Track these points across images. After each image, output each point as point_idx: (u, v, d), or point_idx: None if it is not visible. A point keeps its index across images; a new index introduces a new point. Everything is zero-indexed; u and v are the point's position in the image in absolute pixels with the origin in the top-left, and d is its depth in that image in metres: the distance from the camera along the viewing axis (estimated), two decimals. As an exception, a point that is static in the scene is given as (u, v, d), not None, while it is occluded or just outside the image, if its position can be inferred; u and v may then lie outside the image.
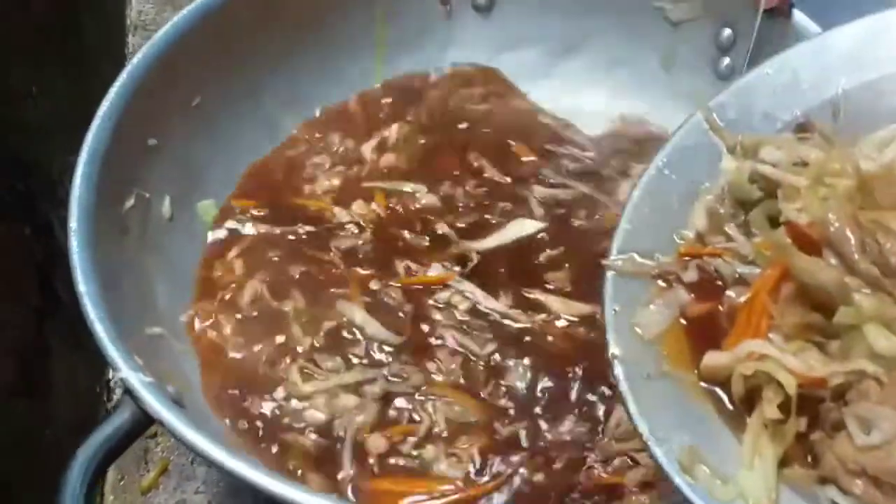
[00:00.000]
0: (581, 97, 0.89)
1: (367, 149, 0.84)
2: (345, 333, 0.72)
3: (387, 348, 0.71)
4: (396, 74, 0.90)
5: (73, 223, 0.65)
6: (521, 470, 0.65)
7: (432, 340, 0.72)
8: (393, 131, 0.85)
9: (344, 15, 0.86)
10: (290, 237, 0.78)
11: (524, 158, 0.82)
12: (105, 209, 0.68)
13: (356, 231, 0.78)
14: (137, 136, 0.74)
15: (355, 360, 0.71)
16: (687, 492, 0.44)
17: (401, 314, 0.73)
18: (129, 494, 0.79)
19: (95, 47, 1.01)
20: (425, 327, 0.72)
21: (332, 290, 0.74)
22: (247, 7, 0.81)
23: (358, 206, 0.79)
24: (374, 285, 0.74)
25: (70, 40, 0.95)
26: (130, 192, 0.73)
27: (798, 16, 0.76)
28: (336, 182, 0.82)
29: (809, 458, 0.46)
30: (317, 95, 0.87)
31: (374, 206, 0.80)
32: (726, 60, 0.83)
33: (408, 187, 0.81)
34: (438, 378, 0.70)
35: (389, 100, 0.88)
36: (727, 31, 0.82)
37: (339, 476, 0.66)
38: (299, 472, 0.66)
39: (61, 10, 0.93)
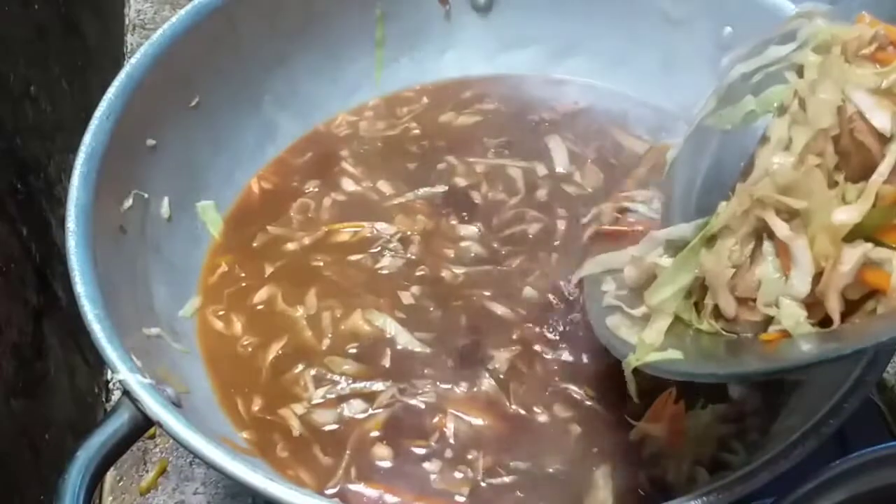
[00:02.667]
0: (580, 97, 0.89)
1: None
2: (373, 342, 0.72)
3: (417, 360, 0.71)
4: (395, 75, 0.90)
5: (71, 223, 0.65)
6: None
7: (473, 355, 0.71)
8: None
9: (343, 15, 0.86)
10: (324, 256, 0.78)
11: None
12: (103, 209, 0.68)
13: (399, 245, 0.78)
14: (136, 136, 0.74)
15: (376, 369, 0.71)
16: (599, 324, 0.62)
17: (443, 328, 0.73)
18: (128, 495, 0.79)
19: (94, 47, 1.01)
20: (468, 342, 0.72)
21: (366, 298, 0.75)
22: (245, 7, 0.80)
23: (401, 220, 0.80)
24: (416, 296, 0.75)
25: (69, 40, 0.95)
26: (129, 192, 0.72)
27: (784, 5, 0.76)
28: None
29: None
30: (316, 96, 0.88)
31: (419, 217, 0.80)
32: (725, 60, 0.82)
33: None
34: (460, 393, 0.69)
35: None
36: (728, 30, 0.82)
37: (339, 483, 0.66)
38: (300, 476, 0.66)
39: (60, 10, 0.93)
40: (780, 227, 0.53)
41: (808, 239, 0.52)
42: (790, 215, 0.53)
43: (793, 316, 0.52)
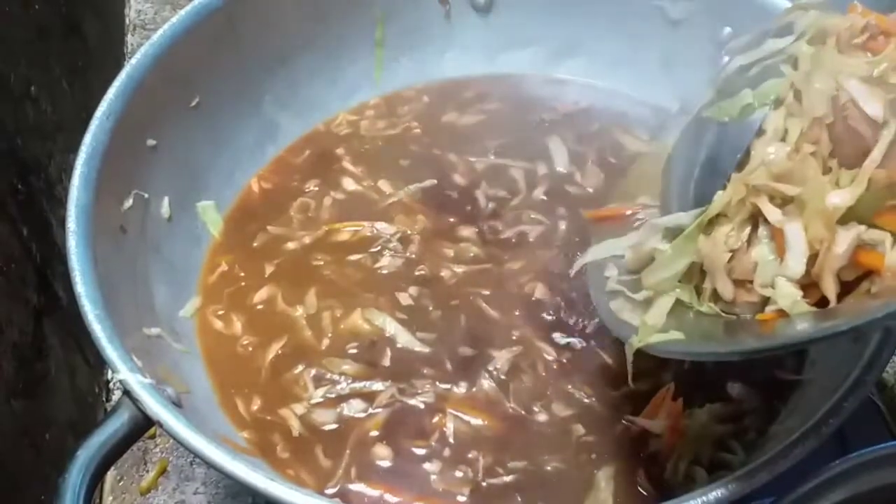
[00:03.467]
0: (580, 97, 0.89)
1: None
2: (372, 342, 0.72)
3: (416, 360, 0.71)
4: (395, 75, 0.90)
5: (72, 223, 0.65)
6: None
7: (473, 355, 0.71)
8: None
9: (343, 15, 0.86)
10: (324, 256, 0.78)
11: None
12: (103, 209, 0.68)
13: (399, 244, 0.78)
14: (136, 136, 0.74)
15: (376, 369, 0.71)
16: (602, 308, 0.62)
17: (442, 328, 0.73)
18: (129, 495, 0.79)
19: (94, 47, 1.01)
20: (468, 342, 0.72)
21: (366, 297, 0.75)
22: (246, 7, 0.80)
23: (401, 220, 0.80)
24: (415, 295, 0.75)
25: (69, 40, 0.94)
26: (129, 192, 0.72)
27: (784, 5, 0.76)
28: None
29: None
30: (316, 96, 0.88)
31: (419, 217, 0.80)
32: (726, 59, 0.82)
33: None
34: (459, 393, 0.69)
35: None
36: (727, 30, 0.82)
37: (339, 482, 0.66)
38: (300, 476, 0.66)
39: (61, 10, 0.93)
40: (773, 213, 0.54)
41: (803, 223, 0.53)
42: (783, 201, 0.54)
43: (789, 296, 0.53)
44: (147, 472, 0.80)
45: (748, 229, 0.56)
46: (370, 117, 0.89)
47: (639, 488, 0.65)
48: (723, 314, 0.57)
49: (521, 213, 0.80)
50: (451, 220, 0.80)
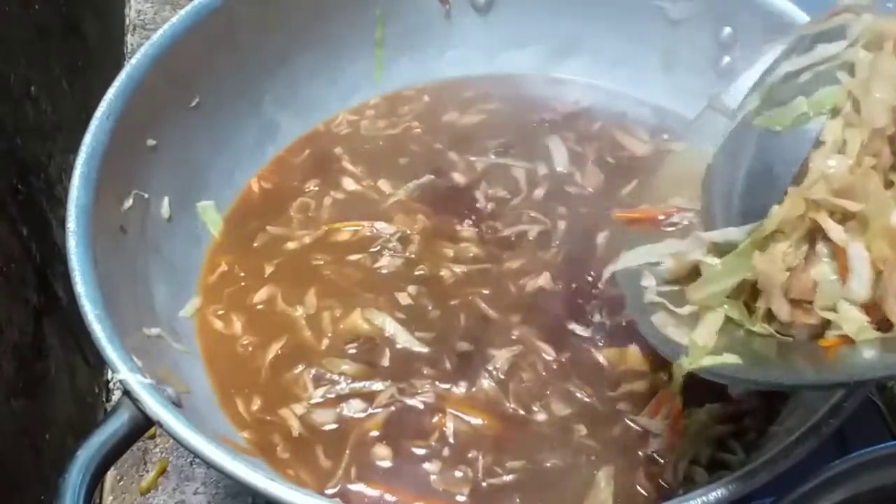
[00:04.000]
0: (581, 97, 0.89)
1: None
2: (372, 342, 0.72)
3: (416, 359, 0.71)
4: (395, 75, 0.90)
5: (72, 223, 0.65)
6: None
7: (472, 354, 0.71)
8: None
9: (343, 15, 0.86)
10: (324, 255, 0.78)
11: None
12: (103, 209, 0.68)
13: (398, 244, 0.78)
14: (136, 136, 0.74)
15: (376, 369, 0.71)
16: (644, 322, 0.59)
17: (442, 327, 0.73)
18: (129, 495, 0.79)
19: (94, 47, 1.01)
20: (468, 341, 0.72)
21: (365, 297, 0.75)
22: (245, 7, 0.80)
23: (400, 220, 0.80)
24: (415, 295, 0.75)
25: (69, 40, 0.95)
26: (129, 192, 0.72)
27: (785, 5, 0.76)
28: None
29: None
30: (316, 96, 0.88)
31: (419, 216, 0.80)
32: (727, 59, 0.82)
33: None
34: (459, 392, 0.69)
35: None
36: (727, 30, 0.82)
37: (339, 483, 0.66)
38: (300, 476, 0.66)
39: (60, 10, 0.93)
40: (835, 231, 0.52)
41: (866, 242, 0.51)
42: (844, 217, 0.52)
43: (855, 321, 0.50)
44: (147, 472, 0.80)
45: (805, 246, 0.53)
46: (370, 117, 0.89)
47: (639, 488, 0.65)
48: (778, 335, 0.54)
49: (520, 212, 0.80)
50: (451, 219, 0.80)
